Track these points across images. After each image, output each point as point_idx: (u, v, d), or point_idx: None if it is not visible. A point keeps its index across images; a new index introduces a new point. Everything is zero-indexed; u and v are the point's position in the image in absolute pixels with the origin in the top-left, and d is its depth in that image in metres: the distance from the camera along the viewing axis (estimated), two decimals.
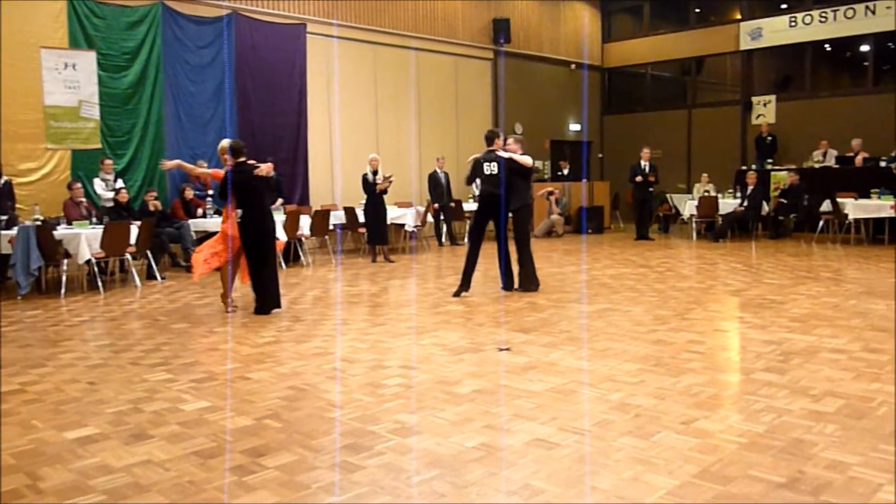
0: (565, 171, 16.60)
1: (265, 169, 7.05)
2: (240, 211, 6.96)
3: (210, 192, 11.23)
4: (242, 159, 7.06)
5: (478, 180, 8.35)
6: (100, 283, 8.94)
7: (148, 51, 11.28)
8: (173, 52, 11.61)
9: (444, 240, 13.95)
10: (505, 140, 8.33)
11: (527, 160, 8.16)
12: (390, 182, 11.31)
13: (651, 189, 14.36)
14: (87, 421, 4.09)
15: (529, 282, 8.20)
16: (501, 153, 8.06)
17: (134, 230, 9.25)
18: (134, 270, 9.51)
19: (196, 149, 11.86)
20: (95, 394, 4.62)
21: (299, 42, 13.26)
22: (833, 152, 14.58)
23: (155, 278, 9.73)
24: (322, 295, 8.55)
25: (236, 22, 12.31)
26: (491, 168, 8.05)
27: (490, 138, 8.23)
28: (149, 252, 9.69)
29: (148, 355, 5.62)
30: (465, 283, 8.06)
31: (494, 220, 8.16)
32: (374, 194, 11.20)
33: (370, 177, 11.21)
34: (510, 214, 8.19)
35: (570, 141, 19.17)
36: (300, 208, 12.05)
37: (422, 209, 13.27)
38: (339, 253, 12.68)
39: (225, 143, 7.22)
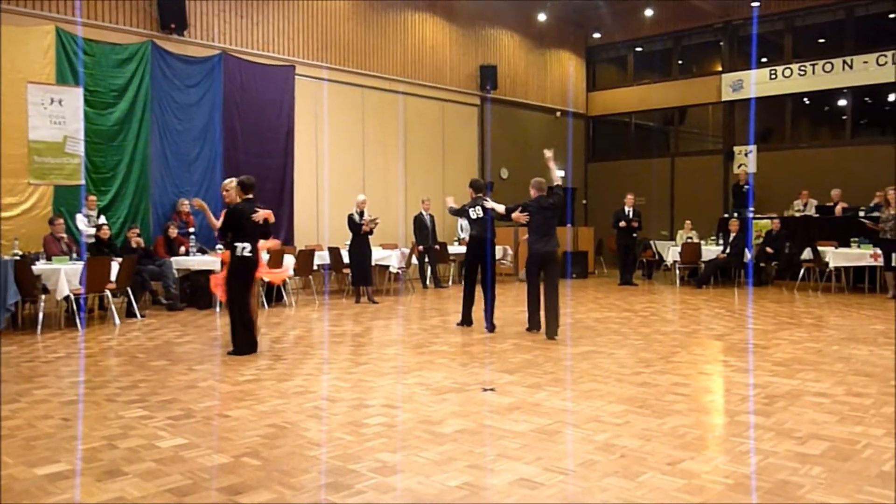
0: None
1: (261, 216, 7.06)
2: (248, 245, 7.01)
3: (192, 229, 11.16)
4: (251, 196, 7.19)
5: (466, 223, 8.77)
6: (78, 320, 8.81)
7: (136, 88, 11.31)
8: (161, 91, 11.65)
9: (428, 282, 13.91)
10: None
11: (497, 208, 8.45)
12: (376, 223, 11.31)
13: (635, 235, 14.46)
14: (59, 457, 3.97)
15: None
16: (486, 203, 8.49)
17: (115, 267, 9.15)
18: (114, 307, 9.38)
19: (181, 187, 11.83)
20: (68, 430, 4.50)
21: (288, 83, 13.36)
22: (813, 202, 14.79)
23: (135, 316, 9.60)
24: (304, 334, 8.46)
25: (225, 62, 12.40)
26: (476, 212, 8.48)
27: (477, 187, 8.81)
28: (129, 289, 9.58)
29: (124, 392, 5.50)
30: (465, 319, 8.69)
31: (481, 262, 8.45)
32: (360, 235, 11.19)
33: (356, 217, 11.21)
34: None
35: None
36: (284, 248, 11.97)
37: (407, 251, 13.26)
38: (326, 293, 12.59)
39: (232, 180, 7.42)
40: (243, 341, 7.00)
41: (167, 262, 10.50)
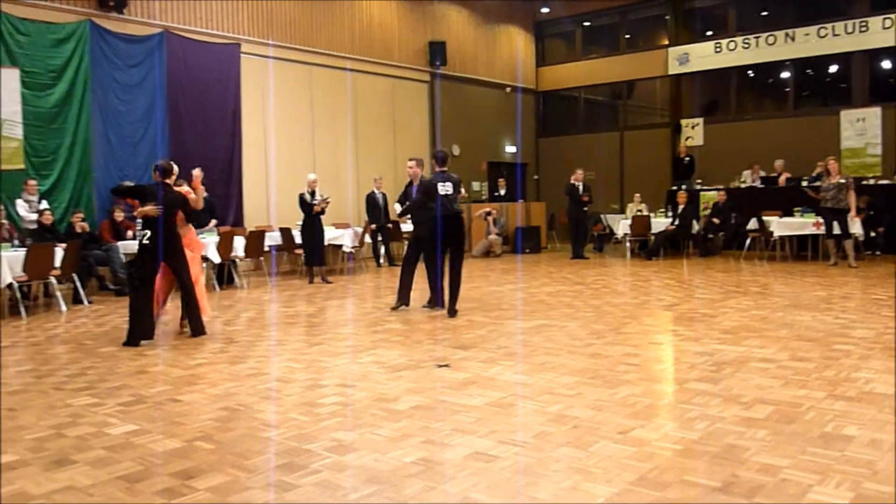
0: (502, 192, 16.76)
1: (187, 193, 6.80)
2: (148, 232, 6.63)
3: None
4: (170, 181, 6.83)
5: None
6: (22, 309, 8.57)
7: (75, 69, 10.96)
8: (102, 71, 11.32)
9: (382, 261, 13.87)
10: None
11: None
12: (327, 203, 11.22)
13: (585, 209, 14.60)
14: (5, 448, 3.87)
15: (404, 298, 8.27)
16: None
17: (59, 253, 8.92)
18: (59, 294, 9.15)
19: (125, 170, 11.53)
20: (14, 420, 4.39)
21: (233, 62, 13.10)
22: (761, 173, 15.11)
23: (81, 302, 9.38)
24: (257, 316, 8.38)
25: (168, 41, 12.08)
26: (446, 188, 7.92)
27: (443, 158, 8.16)
28: (75, 275, 9.35)
29: (72, 380, 5.38)
30: (440, 299, 8.13)
31: (455, 239, 8.04)
32: (312, 215, 11.09)
33: (307, 197, 11.10)
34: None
35: (506, 162, 19.39)
36: (234, 229, 11.82)
37: (359, 230, 13.18)
38: (273, 274, 12.46)
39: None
40: (137, 328, 6.63)
41: (114, 246, 10.27)
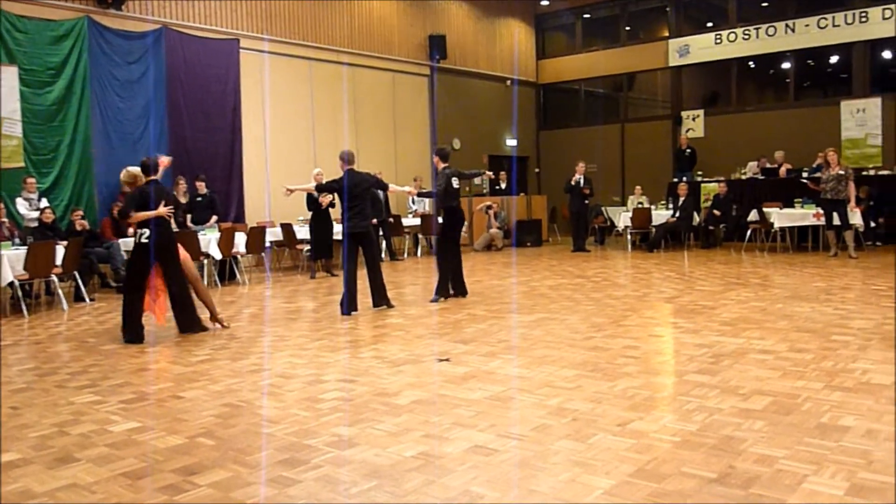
0: (503, 185, 16.75)
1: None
2: (147, 231, 6.65)
3: None
4: (155, 178, 6.85)
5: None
6: (24, 307, 8.61)
7: (73, 66, 10.97)
8: (101, 68, 11.32)
9: (383, 255, 13.87)
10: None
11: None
12: (333, 197, 11.25)
13: (587, 202, 14.60)
14: (8, 446, 3.91)
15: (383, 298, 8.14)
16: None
17: (60, 251, 8.94)
18: (61, 292, 9.18)
19: (125, 166, 11.51)
20: (18, 418, 4.43)
21: (232, 57, 13.09)
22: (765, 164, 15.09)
23: (83, 300, 9.41)
24: (258, 312, 8.41)
25: (166, 37, 12.08)
26: (456, 182, 8.57)
27: (447, 154, 8.70)
28: (76, 273, 9.38)
29: (74, 378, 5.42)
30: (451, 290, 8.68)
31: (457, 231, 8.70)
32: (320, 210, 11.15)
33: (314, 193, 11.11)
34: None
35: (508, 156, 19.37)
36: (235, 226, 11.84)
37: None
38: (271, 270, 12.48)
39: (133, 169, 7.19)
40: (129, 331, 6.71)
41: (115, 244, 10.30)
